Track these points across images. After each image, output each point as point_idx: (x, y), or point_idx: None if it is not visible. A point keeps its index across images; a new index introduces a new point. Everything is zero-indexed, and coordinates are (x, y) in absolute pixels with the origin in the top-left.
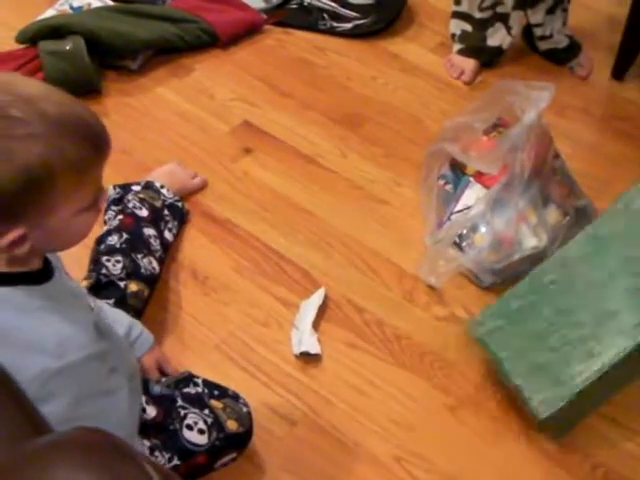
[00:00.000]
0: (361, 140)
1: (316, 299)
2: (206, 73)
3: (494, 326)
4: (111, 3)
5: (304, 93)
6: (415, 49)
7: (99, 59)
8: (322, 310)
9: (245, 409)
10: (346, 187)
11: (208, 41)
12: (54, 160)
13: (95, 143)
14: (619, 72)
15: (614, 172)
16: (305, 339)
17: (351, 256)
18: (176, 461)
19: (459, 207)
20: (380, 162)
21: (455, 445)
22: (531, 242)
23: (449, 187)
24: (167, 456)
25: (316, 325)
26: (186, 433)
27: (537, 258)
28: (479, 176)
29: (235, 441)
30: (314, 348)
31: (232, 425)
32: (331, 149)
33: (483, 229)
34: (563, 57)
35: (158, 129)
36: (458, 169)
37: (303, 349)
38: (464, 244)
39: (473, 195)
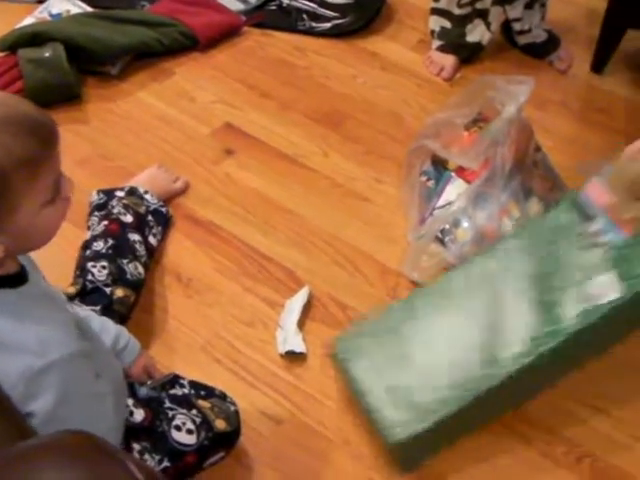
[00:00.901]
0: (342, 139)
1: (300, 298)
2: (186, 76)
3: (356, 344)
4: (90, 9)
5: (284, 94)
6: (394, 47)
7: (79, 65)
8: (307, 309)
9: (233, 408)
10: (328, 186)
11: (187, 44)
12: (2, 160)
13: (42, 136)
14: (598, 65)
15: None
16: (290, 338)
17: (334, 254)
18: (166, 463)
19: (441, 202)
20: (361, 160)
21: None
22: None
23: (431, 183)
24: (157, 458)
25: (301, 324)
26: (175, 434)
27: None
28: (461, 171)
29: (223, 440)
30: (299, 347)
31: (220, 424)
32: (312, 148)
33: (465, 224)
34: (542, 51)
35: (139, 133)
36: (440, 165)
37: (288, 348)
38: (447, 239)
39: (455, 190)
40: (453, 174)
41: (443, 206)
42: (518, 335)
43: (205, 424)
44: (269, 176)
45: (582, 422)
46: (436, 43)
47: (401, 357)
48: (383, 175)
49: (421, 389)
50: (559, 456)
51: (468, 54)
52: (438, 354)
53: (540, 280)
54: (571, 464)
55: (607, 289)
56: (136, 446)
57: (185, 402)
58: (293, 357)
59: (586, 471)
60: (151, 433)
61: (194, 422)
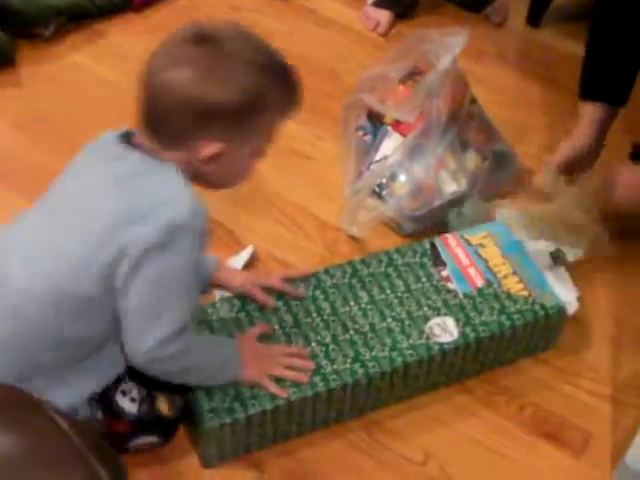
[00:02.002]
0: None
1: (242, 257)
2: (120, 37)
3: None
4: None
5: None
6: (330, 4)
7: (11, 28)
8: (248, 267)
9: (179, 400)
10: None
11: (121, 5)
12: (267, 90)
13: (297, 97)
14: (534, 18)
15: (532, 116)
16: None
17: (274, 212)
18: (100, 417)
19: (378, 157)
20: (299, 117)
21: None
22: (451, 187)
23: (368, 138)
24: (95, 406)
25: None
26: (118, 396)
27: (458, 203)
28: (397, 125)
29: (162, 424)
30: None
31: (164, 408)
32: None
33: (402, 177)
34: (477, 4)
35: (74, 96)
36: (376, 119)
37: None
38: (384, 193)
39: (392, 144)
40: (389, 128)
41: (380, 160)
42: (346, 353)
43: (149, 399)
44: None
45: (522, 372)
46: None
47: None
48: (322, 132)
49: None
50: (501, 405)
51: (403, 9)
52: None
53: (384, 306)
54: (513, 413)
55: (444, 331)
56: None
57: (139, 374)
58: None
59: (528, 420)
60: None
61: (140, 393)
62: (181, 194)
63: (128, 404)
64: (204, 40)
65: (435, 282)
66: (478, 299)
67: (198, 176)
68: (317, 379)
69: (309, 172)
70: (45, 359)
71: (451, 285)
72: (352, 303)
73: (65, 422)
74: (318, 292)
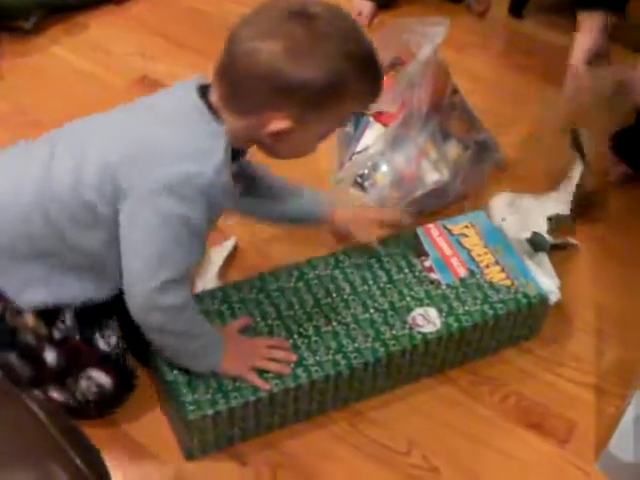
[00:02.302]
0: None
1: (224, 248)
2: (101, 29)
3: None
4: None
5: (201, 43)
6: None
7: None
8: (230, 259)
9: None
10: None
11: None
12: (351, 78)
13: (379, 89)
14: (517, 8)
15: (514, 106)
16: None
17: None
18: (77, 336)
19: (360, 147)
20: None
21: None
22: (432, 177)
23: (349, 128)
24: (75, 324)
25: (223, 275)
26: (97, 335)
27: (440, 193)
28: (378, 115)
29: (123, 373)
30: None
31: (130, 362)
32: None
33: (384, 167)
34: None
35: (56, 89)
36: None
37: None
38: (366, 184)
39: (373, 135)
40: (371, 119)
41: (361, 151)
42: (328, 344)
43: (121, 349)
44: None
45: (505, 361)
46: None
47: None
48: None
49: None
50: (484, 395)
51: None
52: None
53: (367, 297)
54: (496, 403)
55: (427, 322)
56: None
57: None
58: None
59: (512, 409)
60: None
61: (116, 340)
62: (212, 156)
63: (102, 343)
64: (301, 16)
65: (418, 273)
66: (461, 289)
67: (258, 142)
68: (299, 371)
69: (289, 163)
70: (44, 246)
71: (434, 275)
72: (334, 295)
73: (42, 412)
74: (300, 284)
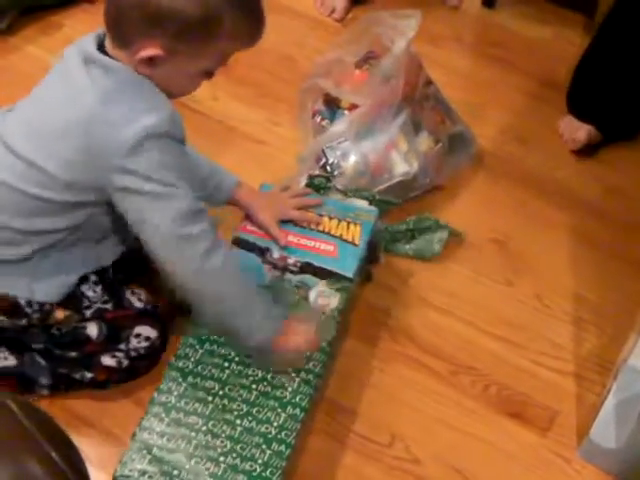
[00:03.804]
0: (233, 83)
1: None
2: (76, 28)
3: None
4: None
5: None
6: None
7: None
8: None
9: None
10: (221, 130)
11: None
12: (227, 16)
13: (258, 32)
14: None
15: (489, 97)
16: None
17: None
18: (108, 306)
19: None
20: (255, 103)
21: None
22: (402, 168)
23: (325, 122)
24: (105, 297)
25: None
26: (128, 293)
27: (408, 185)
28: (353, 109)
29: (160, 321)
30: None
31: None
32: (202, 93)
33: (353, 157)
34: None
35: (30, 88)
36: (332, 104)
37: None
38: (335, 173)
39: (343, 124)
40: (346, 112)
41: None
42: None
43: (153, 301)
44: None
45: (485, 351)
46: None
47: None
48: (278, 117)
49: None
50: (465, 385)
51: None
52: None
53: None
54: (478, 393)
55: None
56: (90, 279)
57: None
58: None
59: (493, 399)
60: (107, 278)
61: (145, 294)
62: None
63: (136, 300)
64: None
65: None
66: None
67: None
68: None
69: (264, 158)
70: (41, 225)
71: (291, 260)
72: None
73: (18, 409)
74: None
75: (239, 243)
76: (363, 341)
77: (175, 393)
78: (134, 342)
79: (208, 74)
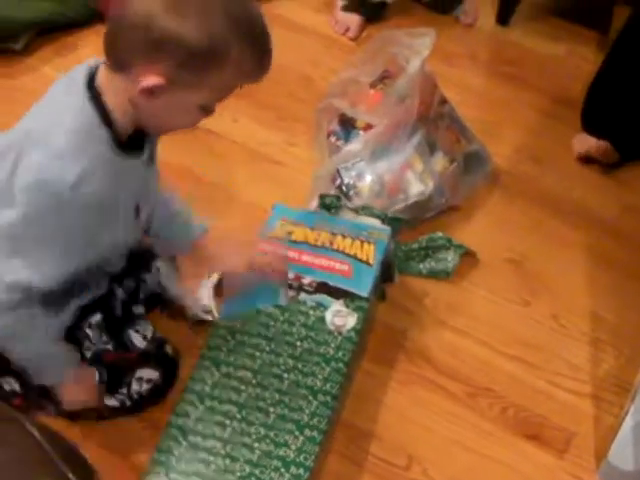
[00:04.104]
0: (251, 104)
1: (211, 282)
2: (91, 49)
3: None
4: None
5: None
6: (299, 10)
7: None
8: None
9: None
10: (239, 151)
11: (90, 17)
12: (235, 46)
13: (263, 67)
14: (503, 17)
15: (504, 115)
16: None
17: (249, 220)
18: (109, 346)
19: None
20: (271, 124)
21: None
22: (417, 188)
23: (340, 143)
24: (105, 338)
25: (218, 291)
26: (132, 332)
27: (424, 205)
28: (368, 129)
29: (165, 361)
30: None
31: (169, 349)
32: (221, 115)
33: (369, 177)
34: (447, 6)
35: None
36: (348, 124)
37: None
38: (351, 193)
39: (359, 144)
40: (361, 132)
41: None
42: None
43: (158, 340)
44: (179, 144)
45: (502, 373)
46: (340, 3)
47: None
48: (295, 138)
49: None
50: (483, 407)
51: (373, 12)
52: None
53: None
54: (495, 415)
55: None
56: (93, 319)
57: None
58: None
59: (510, 421)
60: (113, 316)
61: (152, 332)
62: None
63: (139, 340)
64: None
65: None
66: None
67: (137, 112)
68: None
69: (282, 178)
70: None
71: (305, 280)
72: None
73: (36, 429)
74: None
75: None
76: (380, 362)
77: (192, 417)
78: (135, 386)
79: (207, 110)
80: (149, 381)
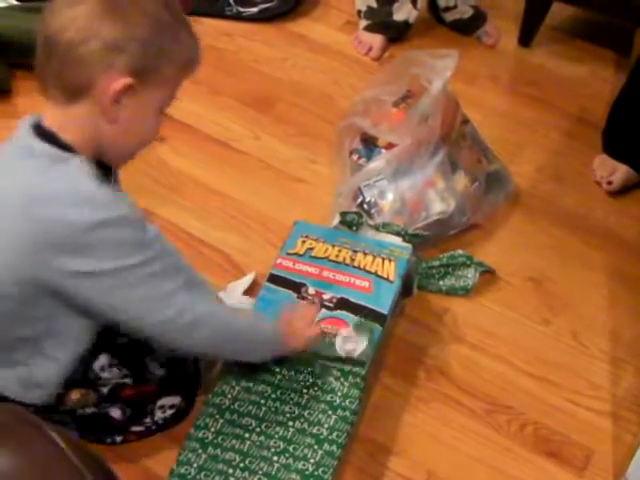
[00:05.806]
0: (273, 121)
1: (244, 283)
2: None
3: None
4: (15, 3)
5: (214, 79)
6: (322, 29)
7: (8, 59)
8: (247, 293)
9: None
10: (261, 168)
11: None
12: (183, 32)
13: (199, 55)
14: (525, 38)
15: (526, 136)
16: None
17: (270, 236)
18: (127, 380)
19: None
20: (294, 141)
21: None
22: (439, 207)
23: (362, 161)
24: (123, 372)
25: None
26: (147, 361)
27: (445, 223)
28: (390, 148)
29: (186, 383)
30: None
31: (189, 367)
32: (244, 132)
33: (390, 195)
34: (469, 27)
35: None
36: (370, 142)
37: None
38: (372, 211)
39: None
40: (383, 151)
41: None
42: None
43: (176, 362)
44: (202, 161)
45: (522, 389)
46: (363, 23)
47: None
48: (316, 156)
49: None
50: (502, 424)
51: (396, 33)
52: None
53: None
54: (514, 432)
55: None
56: (103, 358)
57: None
58: None
59: (529, 438)
60: (127, 349)
61: (170, 358)
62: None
63: (156, 368)
64: None
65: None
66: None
67: (99, 141)
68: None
69: (303, 195)
70: (19, 332)
71: (326, 296)
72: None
73: (64, 442)
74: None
75: (274, 280)
76: (399, 378)
77: (212, 429)
78: (159, 414)
79: (163, 111)
80: (172, 406)
